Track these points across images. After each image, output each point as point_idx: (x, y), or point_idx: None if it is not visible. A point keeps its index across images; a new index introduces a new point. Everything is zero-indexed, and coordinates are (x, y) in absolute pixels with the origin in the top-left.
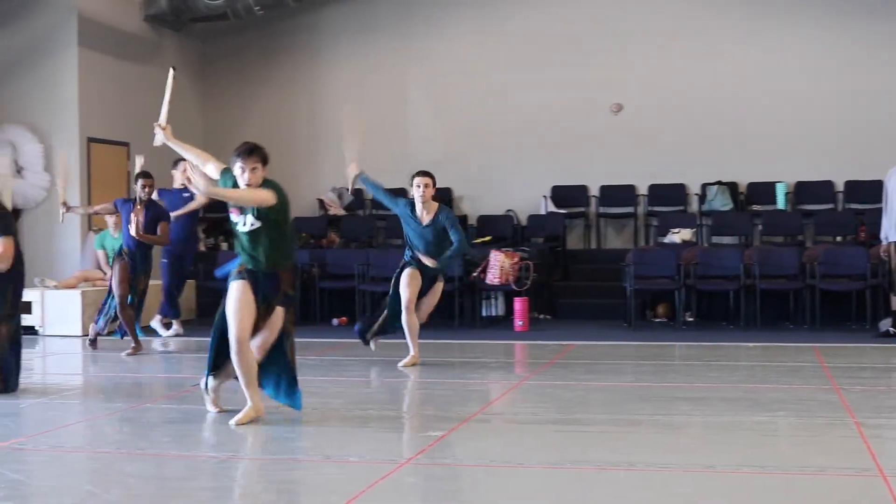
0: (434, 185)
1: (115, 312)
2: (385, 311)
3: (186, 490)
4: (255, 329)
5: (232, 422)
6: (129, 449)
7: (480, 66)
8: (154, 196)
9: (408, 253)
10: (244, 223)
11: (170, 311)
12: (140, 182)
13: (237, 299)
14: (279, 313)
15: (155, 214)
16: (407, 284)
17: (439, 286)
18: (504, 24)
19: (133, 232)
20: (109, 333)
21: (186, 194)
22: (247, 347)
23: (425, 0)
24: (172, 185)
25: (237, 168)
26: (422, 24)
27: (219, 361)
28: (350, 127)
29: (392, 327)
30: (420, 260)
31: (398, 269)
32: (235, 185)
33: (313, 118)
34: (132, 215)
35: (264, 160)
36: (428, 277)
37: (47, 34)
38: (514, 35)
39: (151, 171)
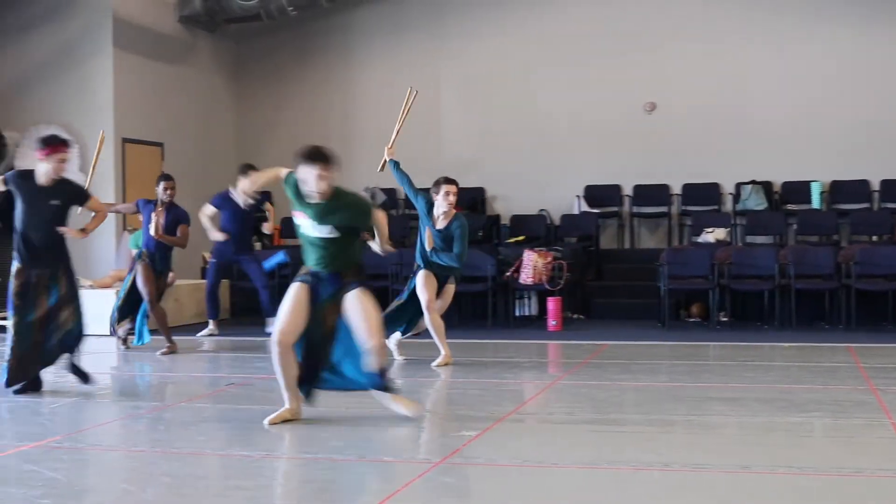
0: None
1: (118, 315)
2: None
3: (222, 489)
4: (325, 326)
5: (265, 421)
6: (164, 448)
7: (513, 65)
8: (208, 211)
9: (418, 256)
10: (320, 230)
11: (210, 311)
12: (162, 184)
13: (290, 303)
14: (358, 297)
15: (175, 217)
16: (424, 286)
17: (451, 288)
18: (537, 23)
19: (153, 232)
20: (130, 334)
21: (251, 202)
22: (286, 350)
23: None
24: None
25: (312, 173)
26: (454, 23)
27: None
28: (406, 107)
29: (394, 328)
30: (432, 262)
31: (412, 274)
32: (297, 190)
33: (346, 118)
34: (153, 216)
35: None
36: (441, 279)
37: (82, 36)
38: (547, 34)
39: (184, 170)
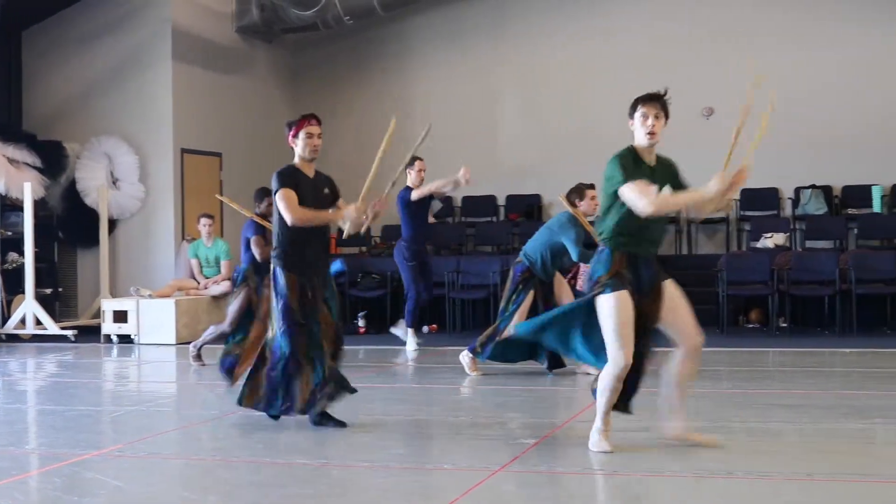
0: None
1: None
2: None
3: (281, 496)
4: (651, 320)
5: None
6: (224, 456)
7: (570, 72)
8: None
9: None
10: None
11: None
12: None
13: (627, 321)
14: (676, 287)
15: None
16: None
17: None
18: (593, 30)
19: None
20: None
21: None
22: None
23: (515, 4)
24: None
25: (642, 114)
26: (510, 30)
27: None
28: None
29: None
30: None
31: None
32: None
33: (405, 126)
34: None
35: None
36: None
37: (142, 47)
38: (604, 39)
39: (242, 180)
